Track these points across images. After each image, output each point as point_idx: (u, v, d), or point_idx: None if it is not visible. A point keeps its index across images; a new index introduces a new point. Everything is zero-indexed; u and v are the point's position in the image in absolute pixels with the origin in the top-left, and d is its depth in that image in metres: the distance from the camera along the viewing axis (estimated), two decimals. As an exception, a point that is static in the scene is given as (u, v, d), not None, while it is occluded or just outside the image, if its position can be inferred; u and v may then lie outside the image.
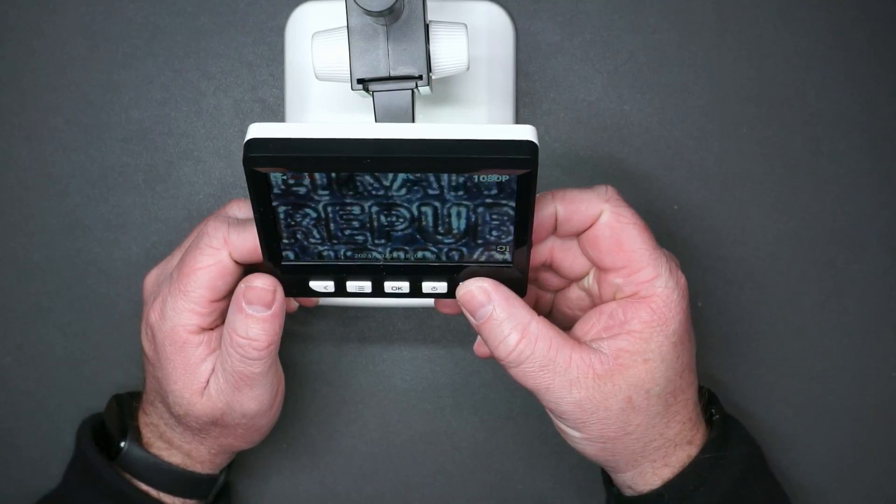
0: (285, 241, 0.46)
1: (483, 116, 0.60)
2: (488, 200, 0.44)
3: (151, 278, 0.55)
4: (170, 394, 0.52)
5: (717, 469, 0.52)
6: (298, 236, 0.46)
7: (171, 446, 0.55)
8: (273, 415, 0.55)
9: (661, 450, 0.51)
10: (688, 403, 0.52)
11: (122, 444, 0.55)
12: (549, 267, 0.53)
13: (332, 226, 0.46)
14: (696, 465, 0.52)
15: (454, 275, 0.48)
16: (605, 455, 0.52)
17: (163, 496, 0.55)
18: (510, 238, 0.46)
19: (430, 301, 0.61)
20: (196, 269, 0.50)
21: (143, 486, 0.55)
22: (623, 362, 0.49)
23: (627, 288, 0.50)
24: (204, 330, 0.51)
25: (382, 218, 0.45)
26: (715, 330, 0.63)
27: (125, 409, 0.57)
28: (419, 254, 0.47)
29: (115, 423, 0.56)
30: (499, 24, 0.61)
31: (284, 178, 0.43)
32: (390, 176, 0.43)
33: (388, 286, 0.49)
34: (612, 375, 0.49)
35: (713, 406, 0.55)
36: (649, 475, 0.52)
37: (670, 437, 0.51)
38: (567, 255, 0.52)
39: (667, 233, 0.62)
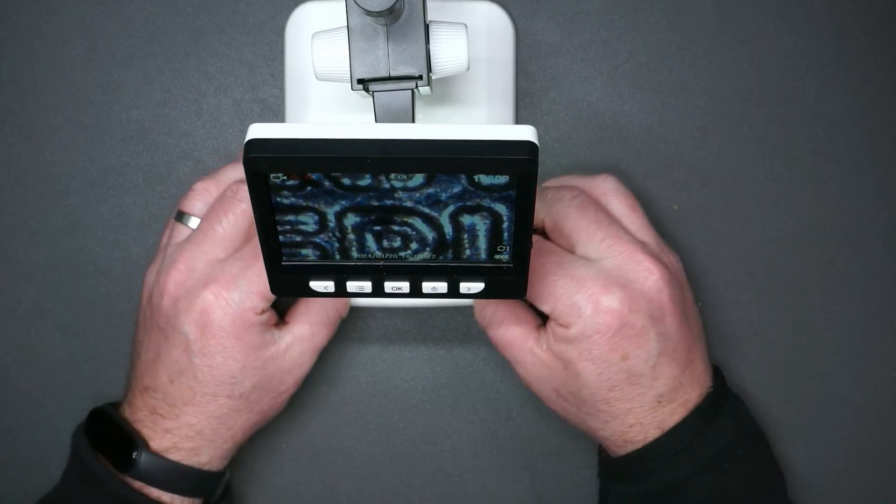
0: (285, 241, 0.46)
1: (483, 116, 0.60)
2: (488, 201, 0.44)
3: (152, 275, 0.56)
4: (236, 373, 0.54)
5: (700, 438, 0.54)
6: (297, 237, 0.46)
7: (179, 447, 0.56)
8: (288, 395, 0.58)
9: (612, 437, 0.56)
10: (633, 407, 0.54)
11: (135, 453, 0.55)
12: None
13: (328, 229, 0.46)
14: (679, 432, 0.54)
15: (454, 275, 0.48)
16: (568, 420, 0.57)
17: (175, 498, 0.56)
18: (510, 238, 0.46)
19: (431, 301, 0.61)
20: None
21: (156, 492, 0.55)
22: (551, 362, 0.55)
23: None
24: (265, 310, 0.55)
25: (379, 221, 0.45)
26: (715, 330, 0.63)
27: (118, 419, 0.56)
28: (419, 255, 0.47)
29: (117, 434, 0.56)
30: (499, 24, 0.61)
31: (283, 178, 0.43)
32: (385, 177, 0.43)
33: (388, 286, 0.49)
34: (547, 366, 0.55)
35: (716, 381, 0.56)
36: (616, 448, 0.56)
37: (616, 430, 0.55)
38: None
39: (667, 233, 0.62)
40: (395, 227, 0.45)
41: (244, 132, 0.44)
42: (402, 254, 0.47)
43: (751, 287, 0.63)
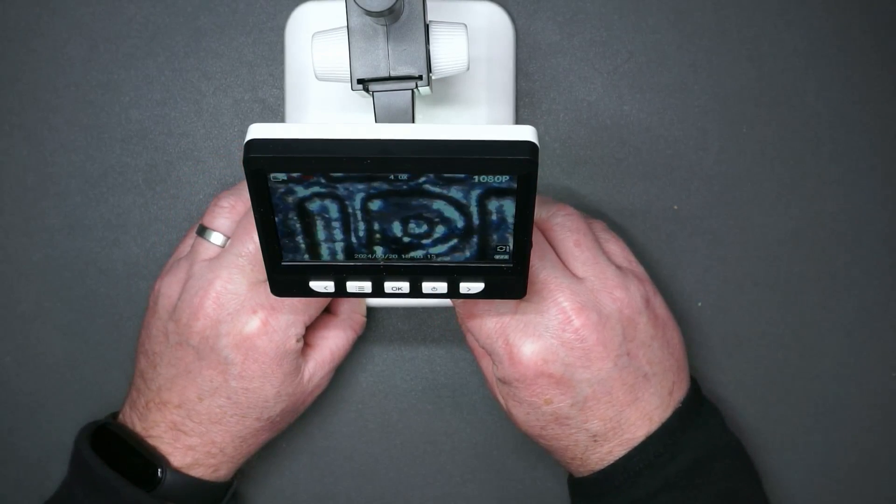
0: (285, 241, 0.46)
1: (483, 116, 0.60)
2: (488, 201, 0.44)
3: (171, 287, 0.55)
4: (270, 398, 0.55)
5: (666, 454, 0.53)
6: (297, 237, 0.46)
7: (200, 464, 0.56)
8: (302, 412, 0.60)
9: (562, 464, 0.57)
10: (569, 444, 0.54)
11: (159, 471, 0.55)
12: None
13: (328, 228, 0.46)
14: (644, 449, 0.53)
15: (454, 275, 0.48)
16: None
17: None
18: (510, 239, 0.46)
19: (430, 301, 0.61)
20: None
21: None
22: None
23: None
24: (301, 337, 0.55)
25: (380, 220, 0.45)
26: (715, 330, 0.63)
27: (131, 435, 0.56)
28: (418, 254, 0.47)
29: (133, 451, 0.56)
30: (499, 24, 0.61)
31: (284, 178, 0.43)
32: (386, 177, 0.43)
33: (388, 286, 0.49)
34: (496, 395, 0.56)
35: (687, 396, 0.55)
36: (575, 468, 0.56)
37: (561, 460, 0.56)
38: None
39: (667, 233, 0.62)
40: (391, 223, 0.45)
41: (244, 132, 0.44)
42: (398, 250, 0.47)
43: (751, 287, 0.63)
